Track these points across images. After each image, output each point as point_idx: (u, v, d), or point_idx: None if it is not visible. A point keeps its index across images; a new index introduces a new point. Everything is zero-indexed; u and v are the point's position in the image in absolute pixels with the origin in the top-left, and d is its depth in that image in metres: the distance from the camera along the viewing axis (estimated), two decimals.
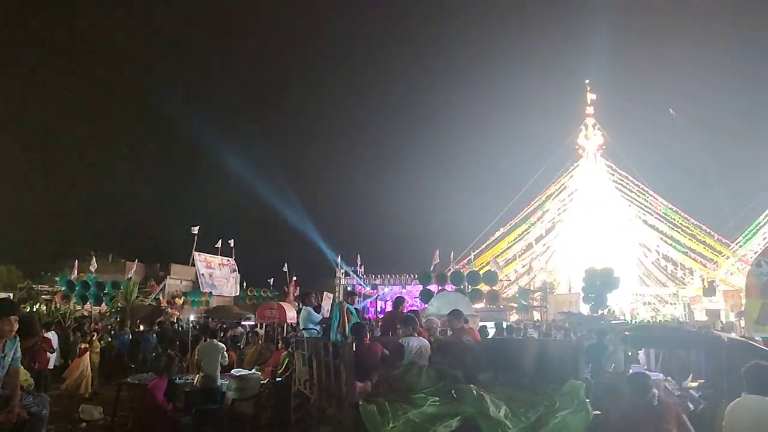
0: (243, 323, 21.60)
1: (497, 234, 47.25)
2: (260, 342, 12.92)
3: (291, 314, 16.27)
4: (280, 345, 11.70)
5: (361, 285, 35.13)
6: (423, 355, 5.85)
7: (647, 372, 9.86)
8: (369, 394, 5.18)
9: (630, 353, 9.68)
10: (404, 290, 31.76)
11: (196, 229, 42.13)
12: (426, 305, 16.14)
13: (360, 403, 4.77)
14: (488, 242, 46.27)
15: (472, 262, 39.47)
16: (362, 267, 35.67)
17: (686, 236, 46.58)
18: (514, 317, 28.09)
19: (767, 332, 4.32)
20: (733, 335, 9.89)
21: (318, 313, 9.40)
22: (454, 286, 20.07)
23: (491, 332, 11.05)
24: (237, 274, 45.54)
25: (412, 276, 31.70)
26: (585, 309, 25.71)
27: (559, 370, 5.37)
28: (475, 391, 4.97)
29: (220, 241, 44.21)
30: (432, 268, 24.22)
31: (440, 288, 20.29)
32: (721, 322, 23.30)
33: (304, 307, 9.47)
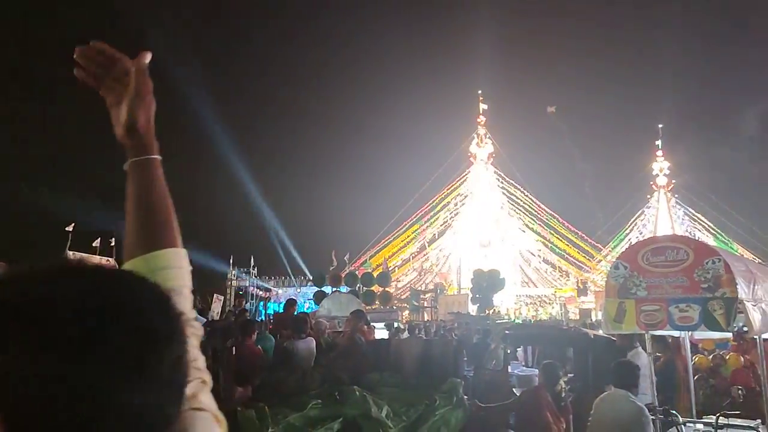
0: None
1: (391, 236, 48.16)
2: None
3: None
4: None
5: (254, 287, 34.19)
6: (309, 357, 5.75)
7: (529, 368, 10.53)
8: (249, 398, 5.00)
9: (509, 351, 10.19)
10: (299, 292, 31.38)
11: (70, 227, 38.74)
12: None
13: (238, 408, 4.58)
14: (382, 244, 47.03)
15: (368, 264, 39.87)
16: (255, 269, 34.74)
17: (564, 241, 50.32)
18: (406, 317, 28.71)
19: (623, 329, 4.68)
20: (599, 332, 10.76)
21: (205, 315, 9.00)
22: (348, 288, 20.11)
23: (380, 333, 11.14)
24: None
25: (306, 278, 31.40)
26: (473, 309, 26.88)
27: (440, 369, 5.51)
28: (358, 393, 4.96)
29: (99, 239, 41.01)
30: (331, 270, 24.14)
31: (334, 290, 20.23)
32: (591, 320, 25.34)
33: None
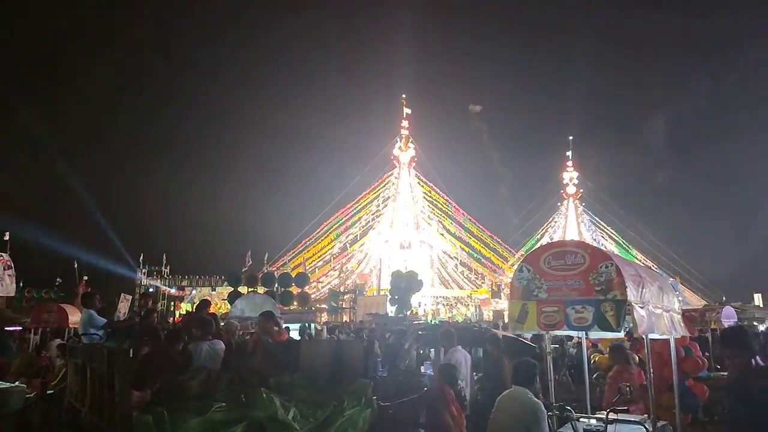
0: (7, 328, 18.49)
1: (312, 237, 47.77)
2: (30, 350, 11.22)
3: (75, 318, 14.40)
4: (44, 353, 10.29)
5: (166, 287, 32.74)
6: (215, 359, 5.55)
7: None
8: (147, 403, 4.74)
9: (422, 351, 10.38)
10: (214, 292, 30.40)
11: None
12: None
13: (134, 414, 4.34)
14: (303, 245, 46.54)
15: (287, 264, 39.32)
16: (168, 267, 33.31)
17: (480, 244, 52.04)
18: (324, 319, 28.55)
19: (524, 330, 4.89)
20: (509, 333, 11.19)
21: (109, 316, 8.50)
22: (265, 288, 19.71)
23: (293, 334, 10.98)
24: (12, 272, 39.25)
25: (221, 277, 30.46)
26: (392, 310, 27.17)
27: (350, 370, 5.49)
28: (265, 395, 4.84)
29: None
30: (244, 270, 23.55)
31: (251, 290, 19.76)
32: (504, 321, 26.36)
33: (85, 309, 8.45)
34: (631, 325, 4.61)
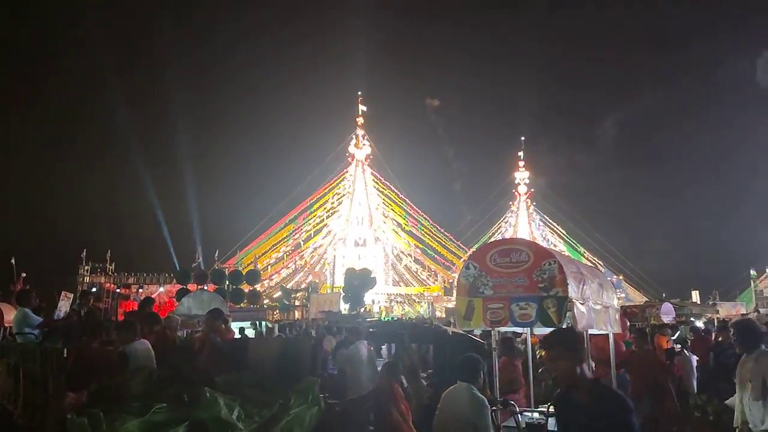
0: None
1: (265, 234, 47.12)
2: None
3: (10, 317, 13.71)
4: None
5: (111, 284, 31.60)
6: (148, 359, 5.39)
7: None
8: (83, 405, 4.56)
9: (372, 348, 10.39)
10: (162, 290, 29.57)
11: None
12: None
13: (69, 416, 4.16)
14: (256, 242, 45.86)
15: (239, 262, 38.65)
16: (113, 264, 32.16)
17: (434, 242, 52.60)
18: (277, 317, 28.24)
19: (471, 326, 4.96)
20: (459, 330, 11.36)
21: (43, 314, 8.13)
22: (215, 286, 19.32)
23: (247, 332, 10.82)
24: None
25: (170, 275, 29.66)
26: (345, 307, 27.14)
27: (298, 368, 5.45)
28: (209, 394, 4.73)
29: None
30: (194, 266, 23.00)
31: (200, 287, 19.34)
32: (454, 318, 26.75)
33: (20, 308, 8.07)
34: (569, 321, 4.73)
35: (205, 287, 17.96)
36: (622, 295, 57.68)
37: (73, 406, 4.44)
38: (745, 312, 35.02)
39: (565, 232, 66.15)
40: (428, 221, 53.30)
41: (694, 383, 11.77)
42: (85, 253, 31.73)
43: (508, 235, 69.17)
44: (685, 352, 12.22)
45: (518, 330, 6.80)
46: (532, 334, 6.74)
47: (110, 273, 31.88)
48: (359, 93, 55.44)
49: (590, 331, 5.22)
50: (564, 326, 4.70)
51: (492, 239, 66.97)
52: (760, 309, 35.06)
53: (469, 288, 5.00)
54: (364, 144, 54.92)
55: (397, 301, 46.45)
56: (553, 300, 4.58)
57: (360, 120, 54.97)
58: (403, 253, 53.45)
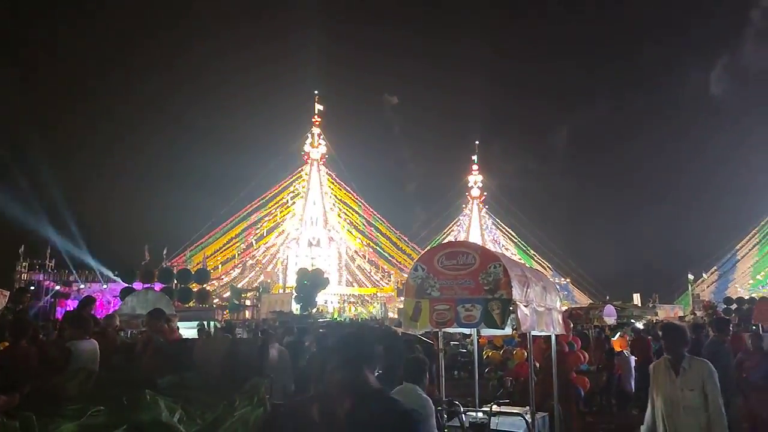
0: None
1: (216, 232, 46.18)
2: None
3: None
4: None
5: (51, 281, 30.25)
6: (92, 359, 5.22)
7: None
8: (15, 407, 4.37)
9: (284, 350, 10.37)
10: (105, 288, 28.53)
11: None
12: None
13: None
14: (206, 240, 44.88)
15: (189, 260, 37.72)
16: (53, 261, 30.74)
17: (387, 243, 52.83)
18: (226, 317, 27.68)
19: (417, 327, 5.02)
20: (409, 331, 11.46)
21: None
22: (161, 284, 18.81)
23: (188, 333, 10.56)
24: None
25: (114, 272, 28.60)
26: (297, 308, 26.92)
27: (244, 369, 5.38)
28: (149, 396, 4.61)
29: None
30: (142, 265, 22.29)
31: (146, 286, 18.79)
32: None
33: None
34: (513, 322, 4.85)
35: (152, 286, 17.46)
36: (569, 297, 59.57)
37: (3, 409, 4.24)
38: (682, 314, 36.74)
39: (515, 236, 67.67)
40: (382, 222, 53.56)
41: (632, 382, 12.30)
42: (23, 249, 30.24)
43: (461, 238, 70.24)
44: (625, 353, 12.75)
45: (465, 331, 6.92)
46: (479, 335, 6.86)
47: (50, 270, 30.49)
48: (316, 92, 55.19)
49: (534, 333, 5.38)
50: (507, 328, 4.83)
51: (445, 241, 67.86)
52: (696, 312, 36.81)
53: (417, 289, 5.06)
54: (320, 143, 54.64)
55: (350, 302, 46.39)
56: (498, 302, 4.68)
57: (316, 119, 54.70)
58: (357, 253, 53.45)
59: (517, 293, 4.74)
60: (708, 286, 55.01)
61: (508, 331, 5.06)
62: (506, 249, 69.35)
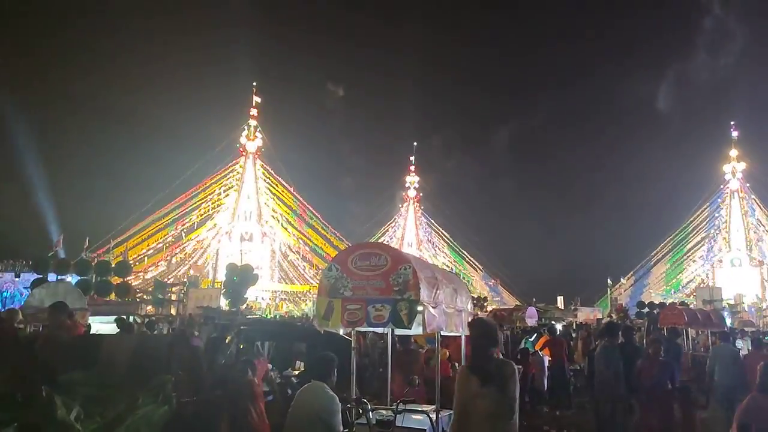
0: None
1: (143, 223, 44.44)
2: None
3: None
4: None
5: None
6: None
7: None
8: None
9: (242, 346, 10.24)
10: (18, 279, 26.87)
11: None
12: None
13: None
14: (132, 231, 43.08)
15: (111, 252, 36.07)
16: None
17: (322, 240, 52.58)
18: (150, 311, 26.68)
19: (329, 326, 5.10)
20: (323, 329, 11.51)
21: None
22: (78, 277, 17.94)
23: (105, 327, 10.17)
24: None
25: (27, 262, 26.95)
26: (225, 304, 26.32)
27: (150, 366, 5.28)
28: (45, 394, 4.46)
29: None
30: (50, 254, 21.13)
31: (61, 278, 17.87)
32: None
33: None
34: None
35: (66, 278, 16.62)
36: (498, 298, 61.47)
37: None
38: (600, 317, 38.71)
39: (449, 237, 69.06)
40: (318, 219, 53.22)
41: (545, 381, 12.92)
42: None
43: (397, 237, 71.02)
44: (539, 353, 13.35)
45: (378, 330, 7.06)
46: (394, 334, 7.02)
47: None
48: (254, 83, 54.11)
49: (444, 333, 5.57)
50: (413, 328, 4.98)
51: (380, 239, 68.37)
52: (612, 314, 38.85)
53: (330, 289, 5.14)
54: (256, 136, 53.63)
55: (282, 299, 45.86)
56: (406, 303, 4.83)
57: (254, 111, 53.62)
58: (291, 249, 52.88)
59: (425, 294, 4.91)
60: (625, 290, 58.22)
61: (419, 330, 5.21)
62: (440, 249, 70.72)
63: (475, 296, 44.68)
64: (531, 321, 21.06)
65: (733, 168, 61.66)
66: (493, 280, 65.50)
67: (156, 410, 4.89)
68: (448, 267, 68.51)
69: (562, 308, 43.00)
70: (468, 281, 66.17)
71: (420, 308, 4.84)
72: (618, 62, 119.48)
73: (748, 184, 61.54)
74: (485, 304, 38.01)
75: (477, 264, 67.30)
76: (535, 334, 14.98)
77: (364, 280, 5.03)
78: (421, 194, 71.37)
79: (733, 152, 61.61)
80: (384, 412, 5.25)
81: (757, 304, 49.53)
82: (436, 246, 71.11)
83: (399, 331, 6.42)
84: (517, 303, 45.81)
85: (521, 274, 63.18)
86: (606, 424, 7.88)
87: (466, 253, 68.14)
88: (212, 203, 50.97)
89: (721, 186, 62.30)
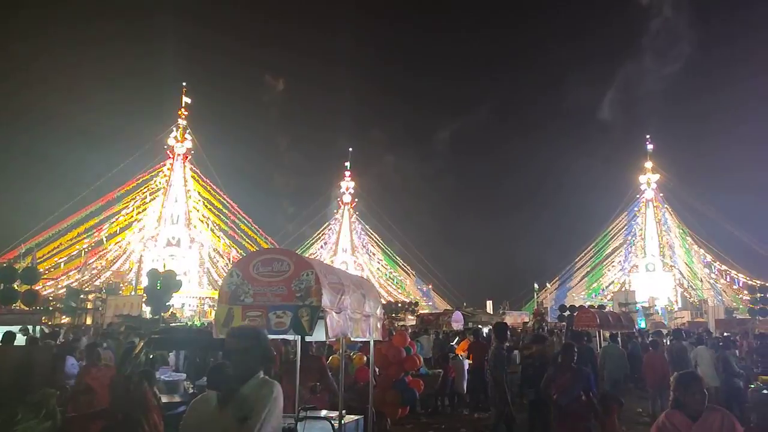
0: None
1: (58, 227, 41.91)
2: None
3: None
4: None
5: None
6: None
7: (176, 373, 10.30)
8: None
9: (152, 355, 9.84)
10: None
11: None
12: None
13: None
14: (44, 236, 40.52)
15: (22, 258, 33.75)
16: None
17: (254, 246, 51.50)
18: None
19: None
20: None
21: None
22: None
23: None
24: None
25: None
26: (147, 311, 25.27)
27: (32, 379, 4.95)
28: None
29: None
30: None
31: None
32: None
33: None
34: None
35: None
36: (430, 302, 62.33)
37: None
38: (527, 320, 40.02)
39: (383, 243, 69.47)
40: (249, 224, 52.12)
41: (464, 384, 13.17)
42: None
43: (331, 242, 70.69)
44: (460, 356, 13.62)
45: (288, 337, 6.95)
46: (303, 341, 6.93)
47: None
48: (184, 84, 52.44)
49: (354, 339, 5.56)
50: (315, 334, 4.93)
51: (314, 246, 67.87)
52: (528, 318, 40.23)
53: (231, 296, 5.00)
54: (186, 137, 51.91)
55: (210, 305, 44.50)
56: (308, 309, 4.77)
57: (183, 111, 51.91)
58: (220, 255, 51.46)
59: (328, 300, 4.87)
60: (550, 294, 60.60)
61: (320, 336, 5.15)
62: (373, 254, 70.99)
63: (407, 301, 45.16)
64: (457, 325, 21.44)
65: (648, 179, 65.66)
66: (425, 285, 66.39)
67: (38, 425, 4.59)
68: (382, 272, 68.94)
69: (491, 312, 44.12)
70: (401, 287, 66.80)
71: (322, 314, 4.79)
72: (553, 68, 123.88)
73: (661, 194, 65.69)
74: (416, 308, 38.42)
75: (410, 269, 68.05)
76: (457, 338, 15.26)
77: (266, 287, 4.93)
78: (356, 200, 71.43)
79: (649, 164, 65.62)
80: (287, 420, 5.15)
81: (669, 307, 52.88)
82: (371, 252, 71.37)
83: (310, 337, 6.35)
84: (447, 307, 46.60)
85: (454, 278, 64.41)
86: (496, 427, 8.03)
87: (399, 258, 68.72)
88: (136, 207, 48.81)
89: (638, 195, 66.16)
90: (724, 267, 58.27)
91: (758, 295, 21.06)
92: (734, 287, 56.00)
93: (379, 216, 68.33)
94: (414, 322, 27.71)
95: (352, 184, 71.27)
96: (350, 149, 71.10)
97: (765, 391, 8.63)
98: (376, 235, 69.76)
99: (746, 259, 55.31)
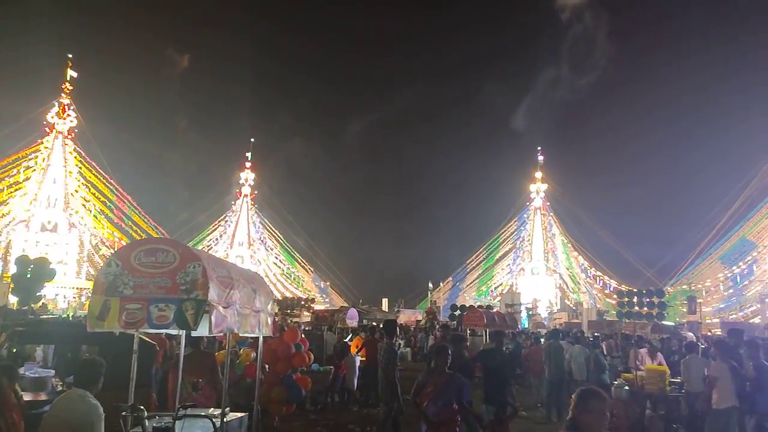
0: None
1: None
2: None
3: None
4: None
5: None
6: None
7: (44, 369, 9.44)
8: None
9: (15, 349, 8.98)
10: None
11: None
12: None
13: None
14: None
15: None
16: None
17: (142, 234, 48.60)
18: None
19: (104, 327, 4.61)
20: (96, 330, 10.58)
21: None
22: None
23: None
24: None
25: None
26: (14, 302, 23.13)
27: None
28: None
29: None
30: None
31: None
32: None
33: None
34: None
35: None
36: (327, 299, 62.28)
37: None
38: (420, 318, 41.18)
39: (282, 238, 68.42)
40: (137, 210, 49.03)
41: (355, 381, 13.28)
42: None
43: (228, 235, 68.41)
44: (351, 354, 13.72)
45: (171, 332, 6.62)
46: (189, 336, 6.63)
47: None
48: (69, 56, 48.12)
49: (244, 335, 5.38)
50: (199, 329, 4.72)
51: (209, 237, 65.38)
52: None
53: (108, 287, 4.65)
54: (68, 114, 47.73)
55: (89, 297, 41.35)
56: (193, 302, 4.55)
57: (68, 86, 47.70)
58: (103, 243, 47.97)
59: (214, 294, 4.67)
60: (443, 294, 62.84)
61: (204, 331, 4.94)
62: (271, 249, 69.66)
63: (304, 297, 44.79)
64: (352, 322, 21.56)
65: (538, 188, 70.15)
66: (323, 282, 66.24)
67: None
68: (279, 267, 67.84)
69: (386, 310, 44.94)
70: (298, 283, 66.16)
71: (208, 308, 4.59)
72: (468, 74, 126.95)
73: (548, 203, 70.43)
74: (312, 305, 38.22)
75: (309, 266, 67.56)
76: (350, 335, 15.37)
77: (148, 278, 4.64)
78: (256, 192, 69.75)
79: (539, 174, 70.12)
80: (166, 418, 4.90)
81: (550, 308, 56.83)
82: (269, 246, 69.98)
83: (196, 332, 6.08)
84: (344, 305, 46.81)
85: (352, 275, 64.82)
86: (384, 423, 8.19)
87: (298, 254, 68.00)
88: (6, 186, 44.20)
89: (527, 203, 70.44)
90: (597, 273, 63.51)
91: (625, 299, 23.31)
92: (606, 291, 61.18)
93: (279, 210, 67.18)
94: (309, 319, 27.53)
95: (252, 175, 69.50)
96: (252, 140, 69.25)
97: (626, 388, 9.52)
98: (275, 230, 68.57)
99: (617, 266, 60.80)
